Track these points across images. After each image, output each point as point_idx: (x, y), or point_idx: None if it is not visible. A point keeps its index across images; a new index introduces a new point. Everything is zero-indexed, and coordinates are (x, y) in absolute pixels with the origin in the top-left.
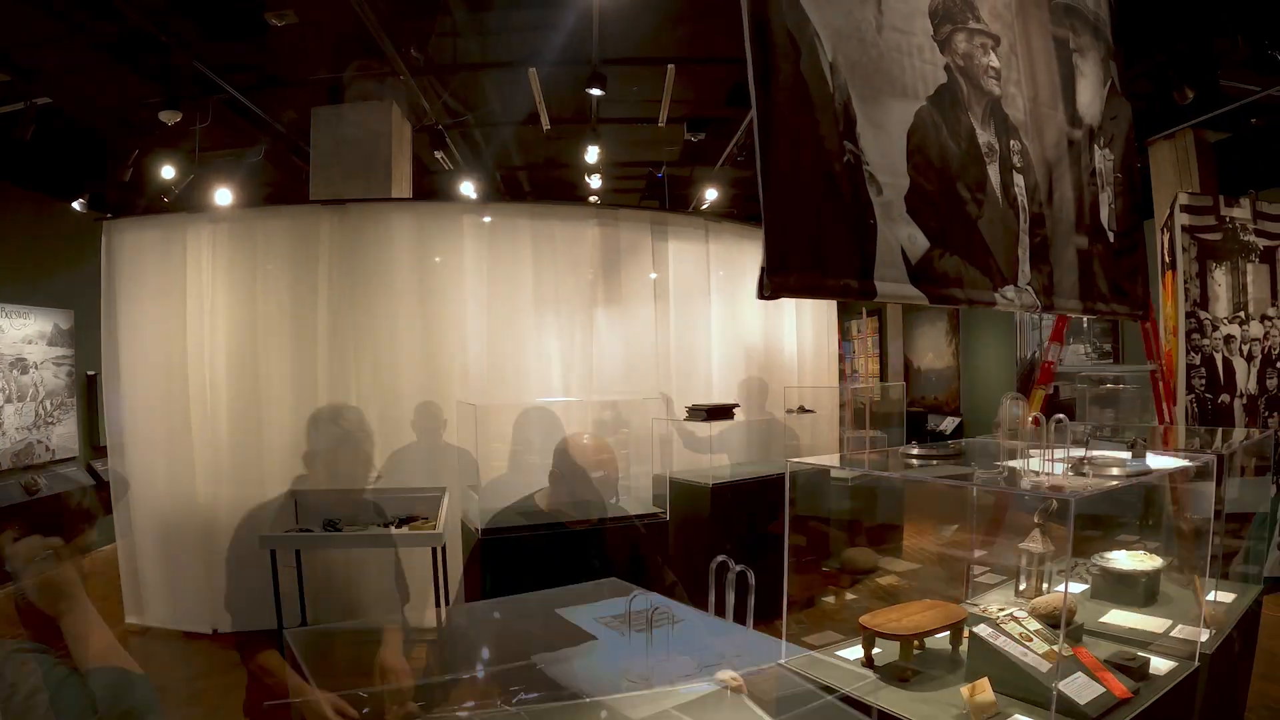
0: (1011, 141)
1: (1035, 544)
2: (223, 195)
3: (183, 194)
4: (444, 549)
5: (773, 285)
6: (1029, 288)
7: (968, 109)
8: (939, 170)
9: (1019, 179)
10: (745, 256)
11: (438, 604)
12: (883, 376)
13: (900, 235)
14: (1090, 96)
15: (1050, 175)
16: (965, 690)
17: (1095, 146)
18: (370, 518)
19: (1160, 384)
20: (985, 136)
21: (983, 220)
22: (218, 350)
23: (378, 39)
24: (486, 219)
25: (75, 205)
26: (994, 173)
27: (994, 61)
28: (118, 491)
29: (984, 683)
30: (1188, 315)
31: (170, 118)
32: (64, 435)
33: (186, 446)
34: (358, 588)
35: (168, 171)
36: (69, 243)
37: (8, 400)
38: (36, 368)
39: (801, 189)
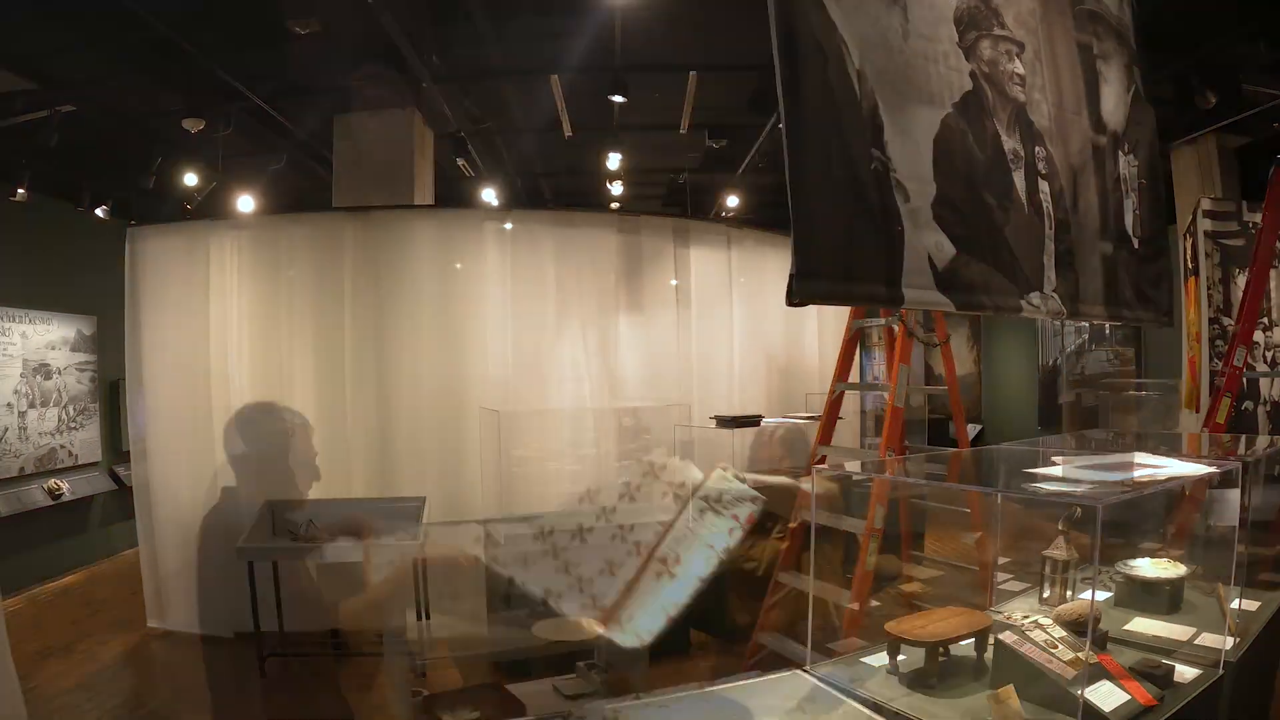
0: (1037, 148)
1: (1059, 551)
2: (245, 202)
3: (206, 201)
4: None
5: (802, 292)
6: (1054, 294)
7: (993, 115)
8: (965, 177)
9: (1044, 185)
10: (767, 263)
11: (419, 617)
12: None
13: (927, 242)
14: (1114, 102)
15: (1075, 181)
16: (991, 697)
17: (1119, 152)
18: (344, 528)
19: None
20: (1011, 143)
21: (1009, 227)
22: (241, 356)
23: (400, 47)
24: (508, 225)
25: (99, 212)
26: (1019, 179)
27: (1019, 68)
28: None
29: (1009, 690)
30: (1211, 322)
31: (193, 125)
32: (87, 440)
33: (209, 451)
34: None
35: (191, 179)
36: (93, 249)
37: (31, 405)
38: (60, 373)
39: (829, 196)
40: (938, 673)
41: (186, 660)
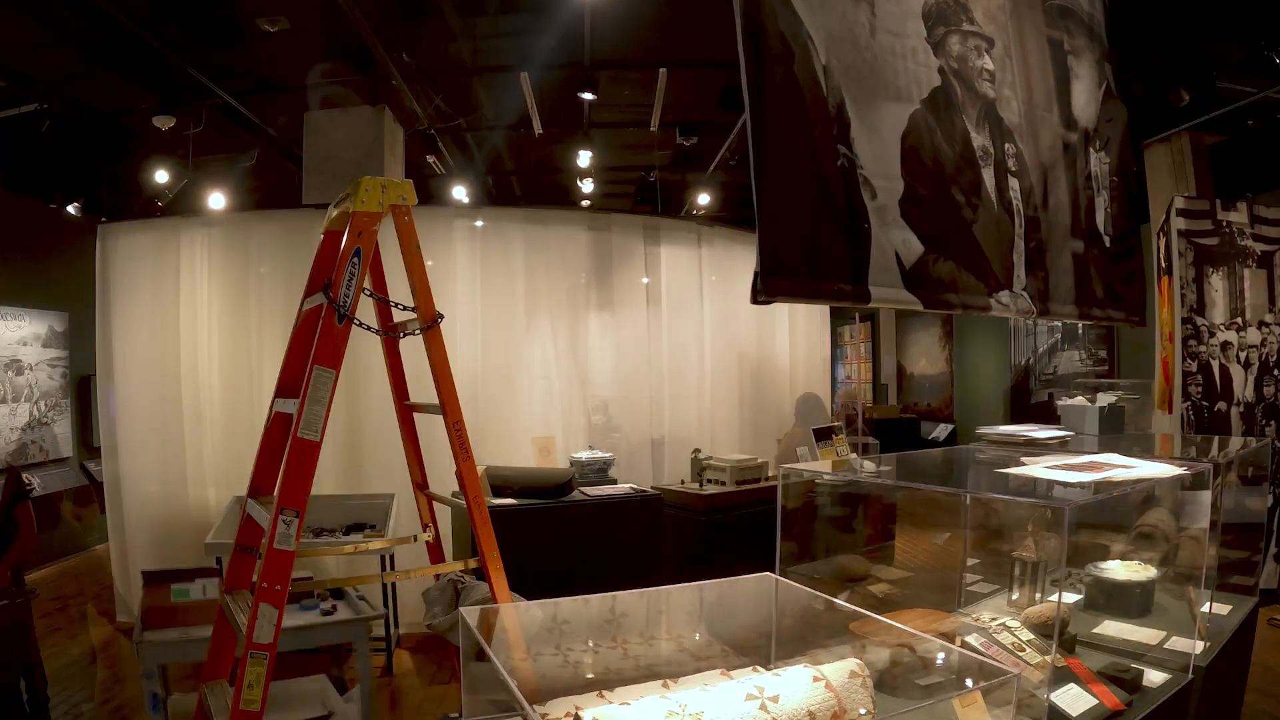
0: (1006, 145)
1: (1028, 552)
2: (216, 199)
3: (176, 198)
4: (392, 557)
5: (766, 289)
6: (1024, 293)
7: (962, 112)
8: (933, 174)
9: (1014, 183)
10: (737, 261)
11: (386, 606)
12: (875, 383)
13: (894, 240)
14: (1085, 99)
15: (1045, 179)
16: (957, 701)
17: (1091, 149)
18: (317, 524)
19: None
20: (980, 140)
21: (977, 224)
22: (211, 353)
23: (370, 44)
24: (478, 223)
25: (70, 209)
26: (989, 176)
27: (988, 64)
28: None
29: (975, 694)
30: (1184, 321)
31: (164, 123)
32: (58, 436)
33: (179, 448)
34: None
35: (161, 176)
36: (64, 246)
37: (2, 401)
38: (31, 369)
39: (795, 193)
40: (902, 675)
41: None
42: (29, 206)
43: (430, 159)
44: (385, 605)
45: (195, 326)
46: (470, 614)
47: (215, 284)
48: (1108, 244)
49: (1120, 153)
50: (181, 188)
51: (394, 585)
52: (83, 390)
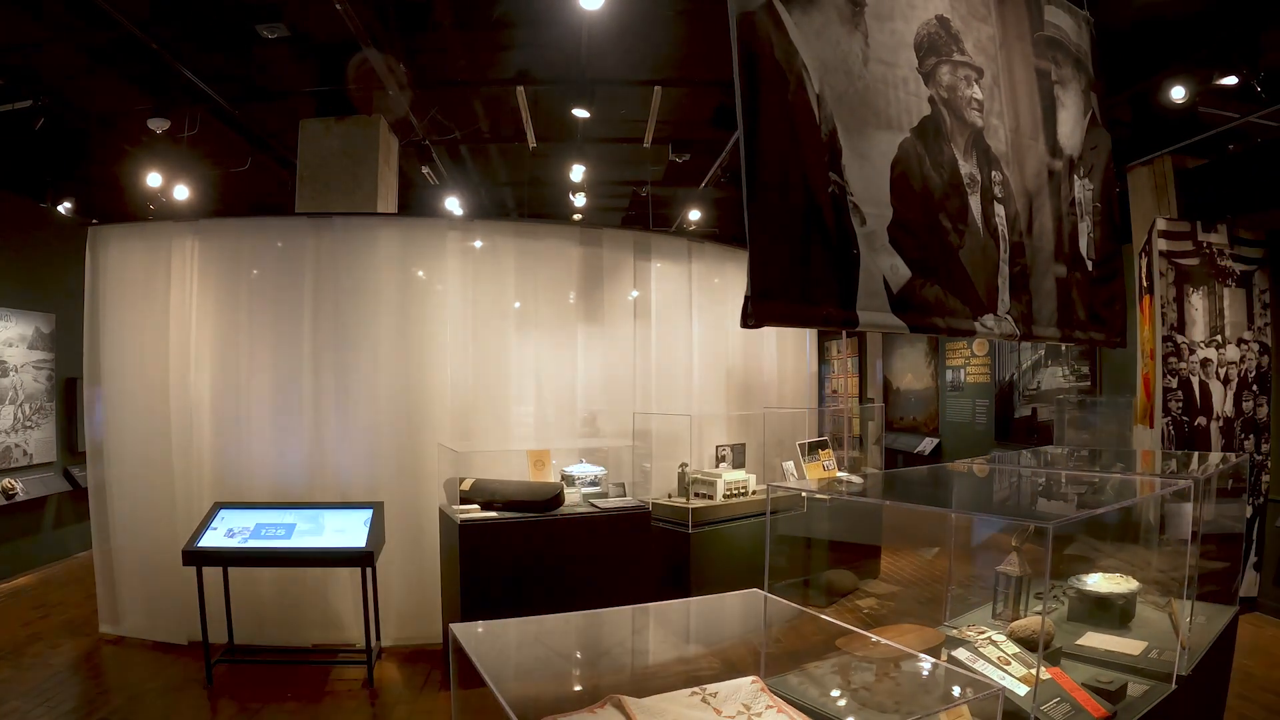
0: (993, 172)
1: (1013, 567)
2: (208, 204)
3: (168, 202)
4: (374, 570)
5: (757, 314)
6: (1008, 316)
7: (950, 140)
8: (922, 201)
9: (1000, 209)
10: (727, 276)
11: (366, 623)
12: (862, 397)
13: (882, 265)
14: (1071, 127)
15: (1030, 205)
16: (944, 716)
17: (1075, 176)
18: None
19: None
20: (967, 167)
21: (964, 250)
22: (200, 359)
23: (367, 54)
24: (471, 235)
25: (61, 209)
26: (975, 203)
27: (977, 93)
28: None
29: (962, 710)
30: (1165, 339)
31: (158, 125)
32: (42, 440)
33: (166, 454)
34: (288, 601)
35: (154, 179)
36: (53, 246)
37: None
38: (16, 371)
39: (786, 219)
40: (889, 690)
41: (138, 668)
42: (19, 205)
43: (424, 170)
44: (366, 617)
45: (185, 331)
46: (460, 631)
47: (206, 289)
48: (1090, 268)
49: (1104, 179)
50: (174, 191)
51: (376, 597)
52: (69, 393)
